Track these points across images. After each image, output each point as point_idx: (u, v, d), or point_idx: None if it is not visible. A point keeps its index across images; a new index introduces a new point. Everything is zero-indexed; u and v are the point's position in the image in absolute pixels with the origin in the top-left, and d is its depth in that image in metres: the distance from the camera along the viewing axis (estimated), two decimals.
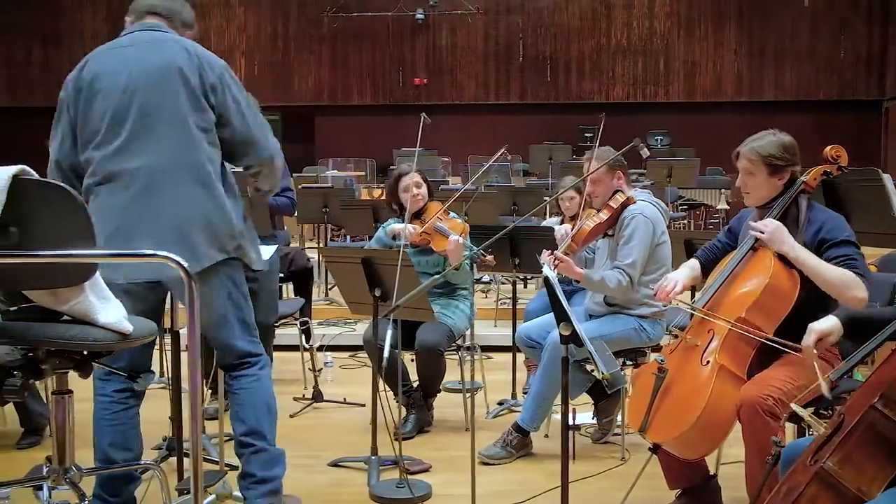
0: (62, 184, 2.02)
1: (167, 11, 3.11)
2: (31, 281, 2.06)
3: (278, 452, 3.19)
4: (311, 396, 5.15)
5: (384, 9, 14.18)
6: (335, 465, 4.11)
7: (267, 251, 3.30)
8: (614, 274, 4.11)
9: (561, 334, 2.66)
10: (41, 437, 4.50)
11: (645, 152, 3.12)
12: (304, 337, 5.47)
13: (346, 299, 4.24)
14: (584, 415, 4.77)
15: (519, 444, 4.19)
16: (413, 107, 14.38)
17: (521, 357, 5.19)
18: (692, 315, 3.34)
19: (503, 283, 7.19)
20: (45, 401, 4.58)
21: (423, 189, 4.67)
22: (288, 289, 6.30)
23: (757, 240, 3.18)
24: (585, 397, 4.56)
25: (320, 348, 6.07)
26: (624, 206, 4.23)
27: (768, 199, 3.20)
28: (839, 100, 13.77)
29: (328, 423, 4.89)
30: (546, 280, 2.63)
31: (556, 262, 4.04)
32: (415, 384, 4.72)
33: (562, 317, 2.63)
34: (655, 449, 3.17)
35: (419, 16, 14.12)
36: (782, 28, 13.85)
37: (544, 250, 4.23)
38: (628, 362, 4.36)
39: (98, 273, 2.11)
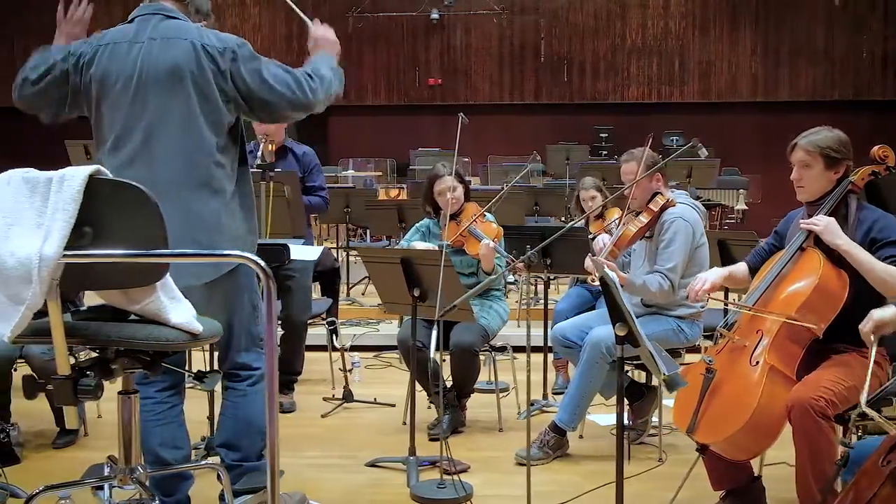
0: (137, 184, 2.02)
1: None
2: (105, 281, 2.06)
3: (252, 468, 3.10)
4: (341, 396, 5.16)
5: (400, 9, 14.18)
6: (372, 465, 4.11)
7: (313, 252, 3.30)
8: (655, 278, 4.11)
9: (617, 335, 2.65)
10: (76, 436, 4.52)
11: (704, 152, 3.11)
12: (332, 337, 5.48)
13: (382, 299, 4.24)
14: (611, 416, 4.77)
15: (556, 445, 4.19)
16: (428, 107, 14.38)
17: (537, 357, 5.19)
18: (724, 313, 3.35)
19: (529, 284, 7.18)
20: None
21: (460, 191, 4.66)
22: (315, 289, 6.31)
23: (805, 240, 3.17)
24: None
25: (351, 348, 6.09)
26: (663, 208, 4.23)
27: (821, 194, 3.20)
28: (855, 100, 13.72)
29: (360, 424, 4.89)
30: (603, 280, 2.62)
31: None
32: (448, 384, 4.72)
33: (618, 317, 2.62)
34: (703, 449, 3.17)
35: (434, 16, 14.11)
36: (798, 28, 13.81)
37: (588, 258, 4.25)
38: None
39: (168, 273, 2.11)
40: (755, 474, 3.42)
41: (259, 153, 4.45)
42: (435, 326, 4.15)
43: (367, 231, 8.70)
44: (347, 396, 5.16)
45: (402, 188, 9.87)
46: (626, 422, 4.50)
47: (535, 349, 5.84)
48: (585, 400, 4.17)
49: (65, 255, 1.91)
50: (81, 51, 2.96)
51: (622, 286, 4.27)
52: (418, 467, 3.93)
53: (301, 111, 2.98)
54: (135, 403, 2.21)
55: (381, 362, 6.42)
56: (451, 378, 4.69)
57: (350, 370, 5.48)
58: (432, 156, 11.13)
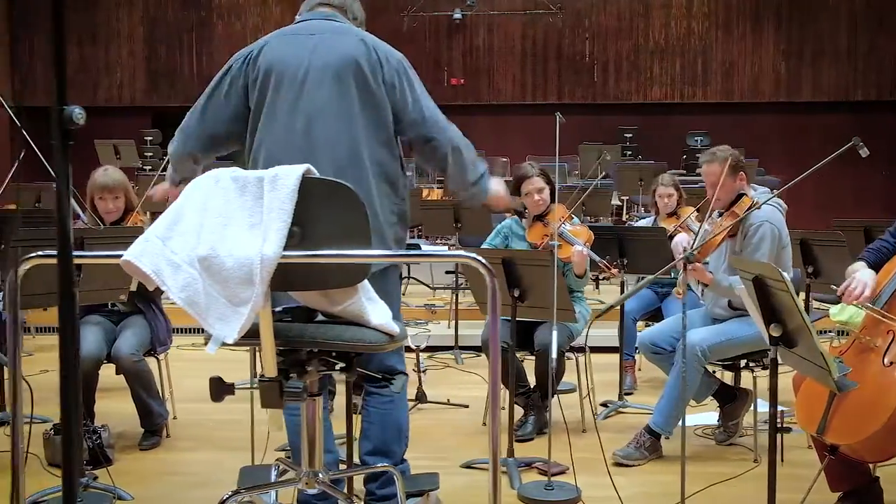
0: (346, 183, 1.98)
1: (339, 2, 3.07)
2: (309, 282, 2.03)
3: (400, 472, 3.03)
4: (415, 397, 5.12)
5: (422, 9, 14.15)
6: (467, 466, 4.08)
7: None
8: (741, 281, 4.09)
9: (771, 335, 2.63)
10: (160, 437, 4.49)
11: (865, 151, 3.08)
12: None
13: (477, 299, 4.21)
14: (695, 416, 4.75)
15: (652, 447, 4.17)
16: (450, 107, 14.27)
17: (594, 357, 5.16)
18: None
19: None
20: (163, 402, 4.57)
21: (546, 192, 4.63)
22: None
23: None
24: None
25: (425, 349, 6.05)
26: (749, 210, 4.20)
27: None
28: (878, 100, 13.75)
29: (439, 425, 4.86)
30: (758, 279, 2.60)
31: (691, 270, 4.05)
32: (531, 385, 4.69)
33: (772, 318, 2.60)
34: (833, 451, 3.14)
35: (457, 15, 14.09)
36: (821, 28, 13.83)
37: (678, 254, 4.23)
38: (751, 364, 4.35)
39: None
40: (874, 475, 3.41)
41: None
42: (555, 327, 4.12)
43: (421, 231, 8.66)
44: (421, 397, 5.13)
45: (443, 188, 9.83)
46: (716, 423, 4.52)
47: (605, 350, 5.87)
48: (682, 404, 4.14)
49: (284, 256, 1.88)
50: (244, 54, 2.97)
51: (707, 286, 4.29)
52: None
53: (442, 148, 2.95)
54: (318, 406, 2.18)
55: (438, 363, 6.39)
56: (535, 379, 4.66)
57: (425, 371, 5.44)
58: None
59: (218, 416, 5.08)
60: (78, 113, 1.23)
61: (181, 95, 14.19)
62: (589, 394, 5.02)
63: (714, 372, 4.55)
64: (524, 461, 4.01)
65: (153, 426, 4.43)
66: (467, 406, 5.15)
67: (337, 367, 2.14)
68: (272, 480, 2.64)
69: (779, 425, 2.85)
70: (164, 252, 1.90)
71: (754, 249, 4.10)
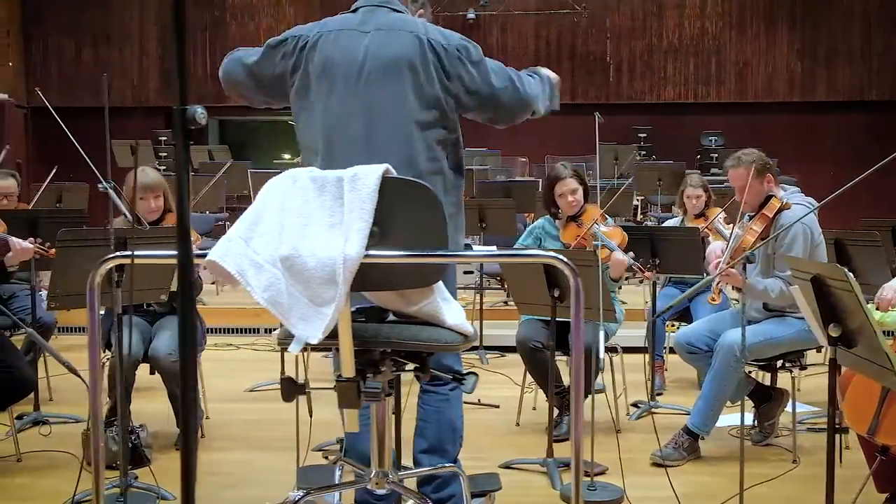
0: (425, 182, 1.98)
1: None
2: (386, 282, 2.02)
3: (454, 472, 3.01)
4: None
5: (437, 9, 14.14)
6: (506, 466, 4.08)
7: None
8: (776, 283, 4.09)
9: (829, 336, 2.62)
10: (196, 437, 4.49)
11: None
12: None
13: (516, 299, 4.21)
14: (729, 416, 4.74)
15: (690, 448, 4.17)
16: None
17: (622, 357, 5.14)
18: None
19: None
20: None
21: (580, 193, 4.62)
22: None
23: None
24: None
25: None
26: (779, 211, 4.20)
27: None
28: (892, 100, 13.70)
29: (472, 425, 4.76)
30: (816, 279, 2.59)
31: (724, 275, 4.05)
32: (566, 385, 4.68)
33: (831, 318, 2.59)
34: (885, 451, 3.14)
35: (470, 15, 14.08)
36: (835, 28, 13.80)
37: (712, 262, 4.24)
38: (788, 364, 4.35)
39: None
40: None
41: None
42: (600, 326, 4.11)
43: None
44: None
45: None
46: (751, 423, 4.52)
47: (628, 350, 5.86)
48: (719, 405, 4.16)
49: (367, 256, 1.88)
50: (301, 33, 2.90)
51: (741, 290, 4.28)
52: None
53: (522, 109, 2.93)
54: (388, 406, 2.17)
55: (464, 363, 6.38)
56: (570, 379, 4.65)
57: None
58: (478, 155, 11.08)
59: (247, 417, 5.10)
60: (200, 113, 1.23)
61: (194, 95, 14.14)
62: (623, 394, 5.02)
63: (749, 372, 4.55)
64: (563, 461, 4.00)
65: None
66: (497, 406, 5.15)
67: (409, 366, 2.13)
68: (336, 480, 2.63)
69: (838, 425, 2.83)
70: (246, 252, 1.90)
71: (787, 249, 4.10)
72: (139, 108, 14.18)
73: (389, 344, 2.07)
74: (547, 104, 3.06)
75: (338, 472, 2.58)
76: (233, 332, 7.51)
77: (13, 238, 4.02)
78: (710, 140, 13.18)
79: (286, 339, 2.06)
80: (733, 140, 12.97)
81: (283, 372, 5.81)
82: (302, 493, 2.24)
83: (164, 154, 12.49)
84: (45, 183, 7.23)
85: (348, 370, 2.02)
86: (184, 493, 1.29)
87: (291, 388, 2.11)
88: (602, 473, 3.95)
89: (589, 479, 3.71)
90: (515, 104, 2.91)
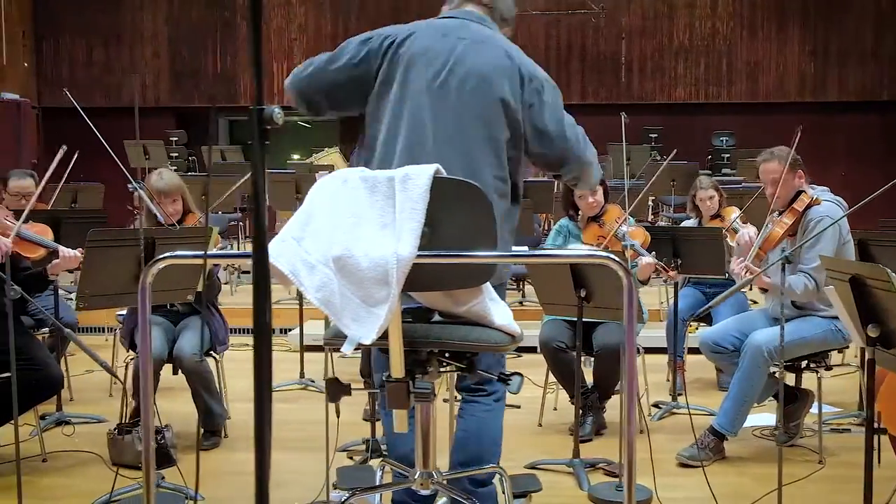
0: (475, 183, 1.97)
1: (489, 1, 2.93)
2: (436, 282, 2.02)
3: (493, 488, 2.95)
4: None
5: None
6: (532, 467, 4.07)
7: None
8: (800, 279, 4.08)
9: (868, 336, 2.61)
10: (220, 437, 4.50)
11: None
12: None
13: (541, 300, 4.21)
14: (753, 417, 4.73)
15: (715, 448, 4.16)
16: None
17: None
18: None
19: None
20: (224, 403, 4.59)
21: (600, 194, 4.62)
22: None
23: None
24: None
25: None
26: (808, 207, 4.20)
27: None
28: None
29: None
30: (855, 279, 2.58)
31: (747, 272, 4.04)
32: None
33: (872, 318, 2.58)
34: None
35: None
36: (846, 28, 13.77)
37: (734, 259, 4.23)
38: (812, 365, 4.34)
39: None
40: None
41: None
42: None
43: None
44: None
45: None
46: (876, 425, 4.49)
47: (650, 350, 5.85)
48: (747, 405, 4.15)
49: (419, 256, 1.87)
50: (389, 33, 2.83)
51: (765, 289, 4.28)
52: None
53: (575, 168, 2.86)
54: (433, 407, 2.17)
55: None
56: (593, 379, 4.65)
57: None
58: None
59: None
60: (278, 113, 1.22)
61: (205, 96, 14.23)
62: (645, 394, 5.02)
63: (773, 373, 4.53)
64: (588, 462, 4.00)
65: (214, 426, 4.44)
66: (519, 406, 5.15)
67: (451, 367, 2.12)
68: (377, 481, 2.62)
69: (876, 426, 2.82)
70: (299, 252, 1.89)
71: (813, 244, 4.09)
72: (150, 108, 14.19)
73: (440, 344, 2.06)
74: (598, 178, 3.03)
75: (378, 473, 2.58)
76: (247, 333, 7.51)
77: (62, 246, 4.05)
78: (721, 140, 13.17)
79: (334, 340, 2.06)
80: (744, 140, 12.95)
81: (302, 373, 5.83)
82: (347, 494, 2.24)
83: (175, 154, 12.52)
84: (61, 183, 7.22)
85: (398, 371, 2.01)
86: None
87: (337, 389, 2.10)
88: None
89: (617, 479, 3.70)
90: (572, 157, 2.83)
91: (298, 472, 4.01)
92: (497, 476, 2.78)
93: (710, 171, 12.06)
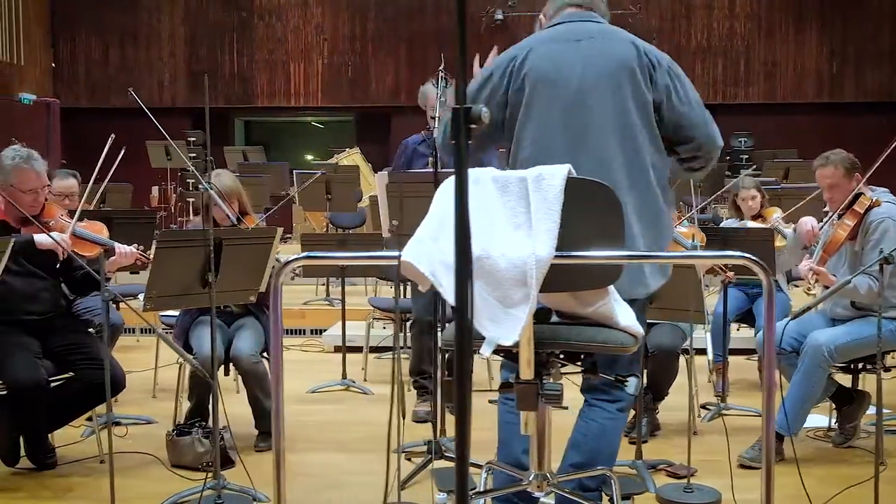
0: (605, 183, 1.96)
1: (587, 3, 2.93)
2: (565, 282, 2.01)
3: (599, 495, 2.93)
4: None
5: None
6: None
7: None
8: (864, 280, 4.07)
9: None
10: None
11: None
12: None
13: None
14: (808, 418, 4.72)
15: (776, 449, 4.14)
16: None
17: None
18: None
19: None
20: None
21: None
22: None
23: None
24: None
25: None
26: (869, 209, 4.20)
27: None
28: None
29: None
30: None
31: (814, 274, 4.05)
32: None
33: None
34: None
35: (498, 16, 14.06)
36: (864, 29, 13.76)
37: (804, 262, 4.23)
38: (869, 366, 4.33)
39: None
40: None
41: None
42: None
43: None
44: None
45: None
46: (832, 425, 4.50)
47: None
48: (807, 405, 4.14)
49: (556, 257, 1.86)
50: (514, 54, 2.84)
51: (828, 288, 4.27)
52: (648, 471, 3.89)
53: (711, 152, 2.85)
54: (550, 408, 2.15)
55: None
56: (647, 380, 4.64)
57: None
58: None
59: (317, 418, 5.10)
60: (485, 112, 1.22)
61: (222, 96, 14.22)
62: (696, 395, 5.01)
63: (830, 374, 4.53)
64: (650, 463, 3.99)
65: (268, 427, 4.42)
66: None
67: (564, 367, 2.11)
68: (483, 484, 2.60)
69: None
70: (436, 253, 1.88)
71: (875, 245, 4.09)
72: (167, 108, 14.18)
73: (568, 346, 2.05)
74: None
75: (484, 475, 2.55)
76: (295, 334, 7.52)
77: (118, 243, 4.03)
78: (740, 142, 13.14)
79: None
80: (762, 141, 12.95)
81: (344, 374, 5.81)
82: (445, 493, 2.23)
83: (194, 154, 12.50)
84: (104, 183, 7.23)
85: (527, 372, 2.00)
86: None
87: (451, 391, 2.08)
88: (692, 475, 3.93)
89: (685, 480, 3.69)
90: (706, 139, 2.81)
91: (361, 473, 4.00)
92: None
93: (729, 172, 12.06)
